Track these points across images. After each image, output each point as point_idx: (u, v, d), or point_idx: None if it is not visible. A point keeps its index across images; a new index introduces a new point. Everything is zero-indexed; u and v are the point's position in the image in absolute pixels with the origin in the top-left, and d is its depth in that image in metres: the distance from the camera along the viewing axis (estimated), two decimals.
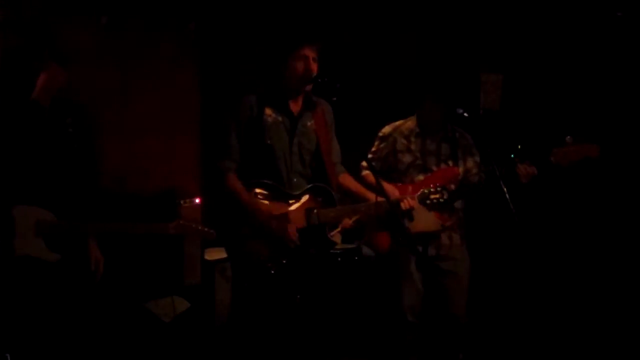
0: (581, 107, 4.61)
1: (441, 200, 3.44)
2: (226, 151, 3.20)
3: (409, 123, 3.75)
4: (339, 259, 4.54)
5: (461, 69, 4.78)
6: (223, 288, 4.32)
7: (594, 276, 4.46)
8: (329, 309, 4.19)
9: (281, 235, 3.14)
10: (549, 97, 4.80)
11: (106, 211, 3.05)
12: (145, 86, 4.62)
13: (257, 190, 3.20)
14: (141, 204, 4.42)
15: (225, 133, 3.21)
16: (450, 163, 3.66)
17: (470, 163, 3.69)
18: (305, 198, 3.26)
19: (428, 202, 3.45)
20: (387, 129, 3.79)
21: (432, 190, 3.45)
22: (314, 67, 3.16)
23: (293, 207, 3.23)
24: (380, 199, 3.18)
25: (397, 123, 3.79)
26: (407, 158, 3.67)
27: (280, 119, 3.24)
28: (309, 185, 3.28)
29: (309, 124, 3.32)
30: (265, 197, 3.21)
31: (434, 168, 3.64)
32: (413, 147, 3.68)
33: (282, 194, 3.21)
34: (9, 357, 2.72)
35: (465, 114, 3.33)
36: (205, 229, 3.07)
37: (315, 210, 3.23)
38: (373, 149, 3.80)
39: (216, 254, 4.36)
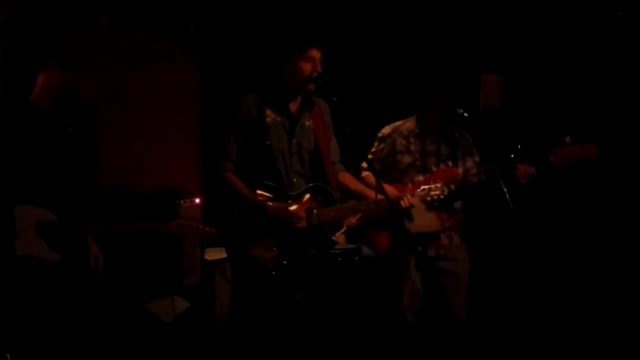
0: (581, 107, 4.61)
1: (442, 196, 3.44)
2: (224, 152, 3.21)
3: (409, 123, 3.75)
4: (339, 259, 4.54)
5: (461, 69, 4.78)
6: (223, 288, 4.32)
7: (593, 276, 4.47)
8: (328, 309, 4.19)
9: (286, 216, 3.14)
10: (549, 97, 4.80)
11: (106, 211, 3.05)
12: (145, 86, 4.62)
13: (258, 192, 3.21)
14: (141, 204, 4.42)
15: (223, 134, 3.22)
16: (450, 163, 3.66)
17: (469, 163, 3.69)
18: (304, 198, 3.26)
19: (429, 198, 3.45)
20: (386, 130, 3.79)
21: (432, 187, 3.45)
22: (320, 68, 3.17)
23: (293, 207, 3.23)
24: (380, 197, 3.19)
25: (397, 123, 3.79)
26: (406, 158, 3.67)
27: (279, 119, 3.25)
28: (309, 185, 3.29)
29: (307, 123, 3.32)
30: (266, 198, 3.21)
31: (434, 168, 3.64)
32: (412, 147, 3.68)
33: (282, 195, 3.22)
34: (9, 357, 2.72)
35: (465, 114, 3.33)
36: (207, 228, 3.07)
37: (315, 210, 3.24)
38: (373, 149, 3.80)
39: (216, 254, 4.36)
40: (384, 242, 3.66)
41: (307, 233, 3.23)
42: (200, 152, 4.88)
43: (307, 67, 3.16)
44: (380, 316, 4.16)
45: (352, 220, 3.98)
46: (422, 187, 3.47)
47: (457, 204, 3.67)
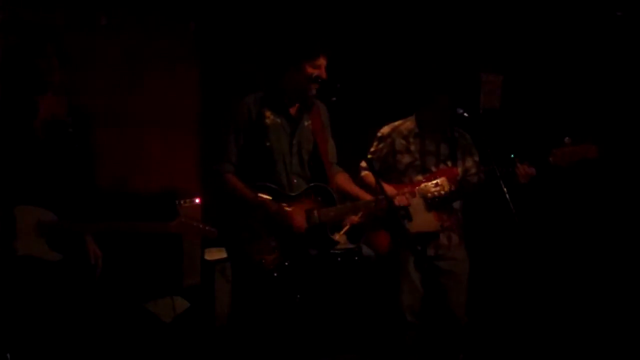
0: (580, 107, 4.61)
1: (442, 192, 3.44)
2: (224, 154, 3.21)
3: (408, 123, 3.75)
4: (339, 259, 4.54)
5: (461, 69, 4.78)
6: (223, 288, 4.32)
7: (593, 276, 4.47)
8: (328, 309, 4.19)
9: (287, 222, 3.14)
10: (549, 97, 4.80)
11: (106, 211, 3.05)
12: (145, 86, 4.62)
13: (258, 194, 3.21)
14: (141, 204, 4.43)
15: (223, 136, 3.22)
16: (449, 163, 3.65)
17: (469, 163, 3.69)
18: (305, 198, 3.26)
19: (429, 195, 3.45)
20: (385, 129, 3.79)
21: (432, 183, 3.45)
22: (325, 74, 3.19)
23: (293, 208, 3.23)
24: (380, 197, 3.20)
25: (396, 123, 3.79)
26: (406, 158, 3.67)
27: (279, 120, 3.25)
28: (309, 186, 3.29)
29: (306, 124, 3.33)
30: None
31: (433, 168, 3.64)
32: (412, 147, 3.68)
33: (283, 196, 3.22)
34: (9, 357, 2.72)
35: (465, 114, 3.33)
36: (207, 228, 3.07)
37: (315, 211, 3.24)
38: (372, 149, 3.80)
39: (216, 254, 4.36)
40: (384, 242, 3.66)
41: (308, 233, 3.23)
42: (200, 152, 4.88)
43: (313, 73, 3.17)
44: (380, 316, 4.16)
45: (355, 218, 3.98)
46: (423, 184, 3.47)
47: (456, 204, 3.67)
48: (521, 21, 4.82)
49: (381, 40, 5.12)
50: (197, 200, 4.35)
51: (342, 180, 3.44)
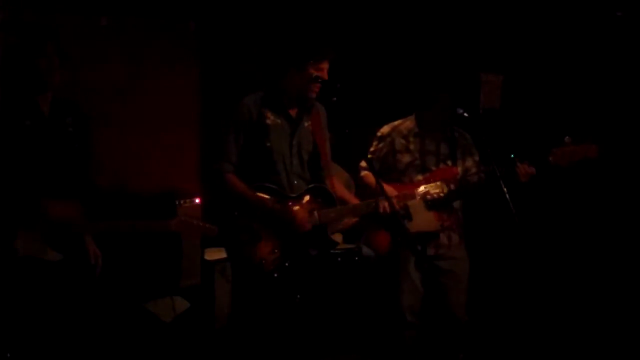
0: (581, 107, 4.61)
1: (441, 194, 3.44)
2: (224, 154, 3.20)
3: (408, 123, 3.75)
4: (339, 259, 4.54)
5: (461, 69, 4.78)
6: (223, 288, 4.32)
7: (593, 276, 4.46)
8: (328, 309, 4.19)
9: (290, 220, 3.15)
10: (549, 97, 4.80)
11: (106, 211, 3.05)
12: (145, 86, 4.62)
13: (259, 194, 3.21)
14: (141, 204, 4.43)
15: (223, 136, 3.21)
16: (449, 163, 3.65)
17: (469, 163, 3.69)
18: (305, 199, 3.26)
19: (429, 197, 3.45)
20: (385, 129, 3.78)
21: (432, 185, 3.45)
22: (327, 76, 3.20)
23: (294, 209, 3.22)
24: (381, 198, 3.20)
25: (396, 123, 3.78)
26: (406, 158, 3.67)
27: (279, 121, 3.25)
28: (309, 186, 3.29)
29: (306, 125, 3.33)
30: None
31: (433, 168, 3.64)
32: (412, 147, 3.68)
33: (283, 197, 3.22)
34: (9, 357, 2.72)
35: (465, 114, 3.33)
36: (207, 225, 3.07)
37: (315, 211, 3.24)
38: (372, 149, 3.80)
39: (216, 254, 4.36)
40: (384, 242, 3.66)
41: (308, 234, 3.23)
42: (200, 152, 4.88)
43: (314, 74, 3.16)
44: (380, 316, 4.15)
45: (350, 221, 4.00)
46: (422, 186, 3.47)
47: (456, 204, 3.67)
48: (521, 21, 4.82)
49: (381, 40, 5.12)
50: (197, 200, 4.35)
51: (335, 183, 3.43)
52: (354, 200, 3.39)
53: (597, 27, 4.59)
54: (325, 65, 3.18)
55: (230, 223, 3.19)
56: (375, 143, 3.79)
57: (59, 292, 2.85)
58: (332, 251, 4.33)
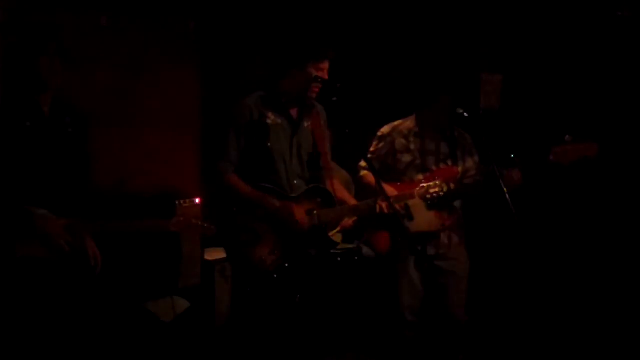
0: (581, 106, 4.60)
1: (441, 193, 3.44)
2: (224, 154, 3.21)
3: (408, 123, 3.75)
4: (339, 259, 4.54)
5: (461, 69, 4.78)
6: (223, 288, 4.32)
7: (593, 276, 4.46)
8: (328, 309, 4.19)
9: (289, 220, 3.14)
10: (549, 97, 4.80)
11: (106, 211, 3.05)
12: (145, 86, 4.62)
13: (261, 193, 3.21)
14: (141, 204, 4.42)
15: (224, 136, 3.22)
16: (450, 163, 3.66)
17: (469, 163, 3.69)
18: (305, 200, 3.26)
19: (428, 196, 3.45)
20: (385, 129, 3.78)
21: (431, 184, 3.45)
22: (327, 76, 3.20)
23: (295, 210, 3.22)
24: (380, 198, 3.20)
25: (396, 123, 3.78)
26: (406, 158, 3.67)
27: (280, 121, 3.25)
28: (309, 187, 3.29)
29: (306, 125, 3.33)
30: None
31: (433, 168, 3.64)
32: (412, 146, 3.68)
33: (283, 197, 3.21)
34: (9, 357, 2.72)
35: (465, 114, 3.33)
36: (206, 225, 3.07)
37: (315, 211, 3.24)
38: (372, 149, 3.80)
39: (216, 254, 4.36)
40: (384, 242, 3.66)
41: (308, 234, 3.23)
42: (200, 152, 4.88)
43: (314, 74, 3.17)
44: (380, 316, 4.15)
45: (349, 222, 4.01)
46: (421, 185, 3.47)
47: (456, 203, 3.67)
48: (521, 21, 4.82)
49: (381, 40, 5.12)
50: (197, 200, 4.34)
51: (336, 184, 3.44)
52: (353, 201, 3.39)
53: (598, 27, 4.59)
54: (325, 65, 3.19)
55: (230, 223, 3.19)
56: (375, 143, 3.79)
57: (58, 292, 2.85)
58: (332, 251, 4.33)
